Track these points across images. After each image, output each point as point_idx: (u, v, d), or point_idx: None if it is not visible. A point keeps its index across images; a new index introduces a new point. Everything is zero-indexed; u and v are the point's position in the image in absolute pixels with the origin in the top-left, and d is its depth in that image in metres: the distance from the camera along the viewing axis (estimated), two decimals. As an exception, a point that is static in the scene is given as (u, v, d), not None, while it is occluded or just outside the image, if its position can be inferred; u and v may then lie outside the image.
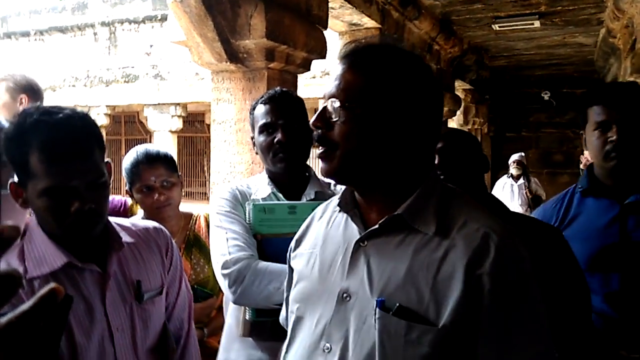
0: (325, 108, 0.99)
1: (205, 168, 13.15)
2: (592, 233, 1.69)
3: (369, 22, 4.46)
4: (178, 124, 10.54)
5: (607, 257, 1.65)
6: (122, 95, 10.45)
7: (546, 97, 10.41)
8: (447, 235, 0.93)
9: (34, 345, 0.44)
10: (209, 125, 11.69)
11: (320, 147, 1.00)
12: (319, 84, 8.18)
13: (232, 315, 1.70)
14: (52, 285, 0.44)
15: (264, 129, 1.68)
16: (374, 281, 0.95)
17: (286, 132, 1.65)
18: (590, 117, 1.69)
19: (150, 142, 10.23)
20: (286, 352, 1.10)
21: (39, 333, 0.44)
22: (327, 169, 1.00)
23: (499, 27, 5.88)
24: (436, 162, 1.52)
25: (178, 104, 10.26)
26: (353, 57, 1.00)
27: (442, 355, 0.89)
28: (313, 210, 1.61)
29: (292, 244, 1.21)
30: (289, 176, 1.71)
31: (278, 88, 1.77)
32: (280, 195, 1.70)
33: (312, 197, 1.71)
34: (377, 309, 0.92)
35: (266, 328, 1.58)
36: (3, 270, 0.43)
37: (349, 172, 0.99)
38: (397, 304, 0.90)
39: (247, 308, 1.58)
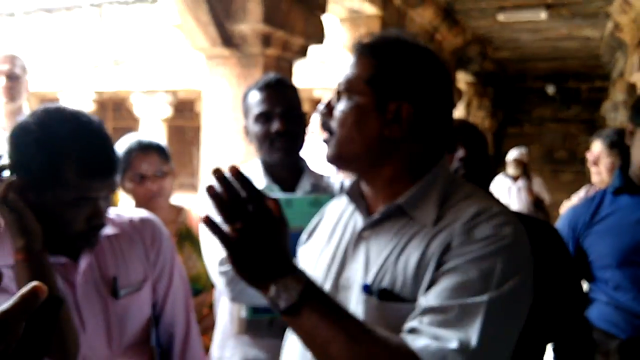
0: (332, 97, 1.04)
1: (195, 158, 13.02)
2: (624, 228, 1.68)
3: (369, 9, 4.34)
4: (168, 111, 10.36)
5: (639, 252, 1.64)
6: (110, 80, 10.20)
7: (550, 91, 10.25)
8: (444, 223, 0.95)
9: (19, 346, 0.44)
10: (198, 114, 11.44)
11: (326, 134, 1.04)
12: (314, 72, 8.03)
13: (226, 313, 1.65)
14: (34, 284, 0.44)
15: (259, 117, 1.61)
16: (369, 268, 0.97)
17: (284, 121, 1.59)
18: None
19: (138, 130, 10.00)
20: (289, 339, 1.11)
21: (24, 333, 0.44)
22: (327, 154, 1.03)
23: (504, 18, 5.74)
24: (462, 155, 1.52)
25: (168, 90, 10.05)
26: (363, 48, 1.02)
27: None
28: (309, 204, 1.55)
29: (303, 237, 1.23)
30: (285, 167, 1.65)
31: (273, 74, 1.69)
32: (276, 187, 1.63)
33: (308, 189, 1.65)
34: (362, 293, 0.95)
35: (262, 326, 1.55)
36: None
37: (343, 159, 1.01)
38: (382, 288, 0.93)
39: (242, 306, 1.53)
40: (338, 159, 1.02)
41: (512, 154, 5.59)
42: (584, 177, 9.19)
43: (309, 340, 0.86)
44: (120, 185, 1.96)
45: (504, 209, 0.96)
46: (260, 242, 0.86)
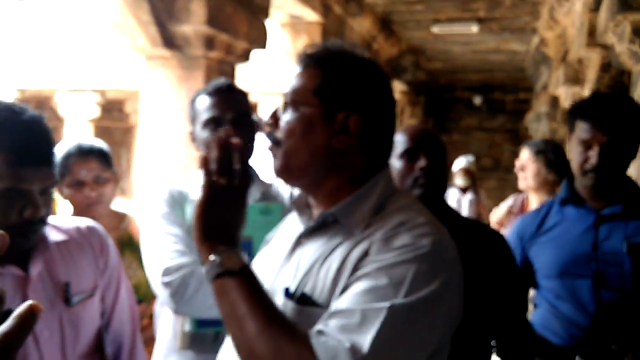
0: (278, 107, 1.03)
1: (124, 160, 12.57)
2: (567, 240, 1.72)
3: (311, 15, 4.36)
4: (95, 111, 9.94)
5: (578, 264, 1.68)
6: (33, 77, 9.66)
7: (477, 101, 10.67)
8: (368, 231, 0.95)
9: None
10: (128, 115, 11.04)
11: (270, 145, 1.03)
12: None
13: (169, 327, 1.57)
14: (29, 302, 0.42)
15: (209, 123, 1.54)
16: (297, 273, 0.99)
17: (235, 127, 1.52)
18: (576, 129, 1.70)
19: (62, 131, 9.52)
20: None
21: None
22: (274, 166, 1.03)
23: (438, 30, 5.92)
24: (424, 165, 1.53)
25: (96, 90, 9.64)
26: (309, 58, 1.02)
27: None
28: (259, 212, 1.51)
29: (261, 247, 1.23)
30: None
31: (223, 80, 1.64)
32: None
33: (257, 197, 1.60)
34: (283, 296, 0.97)
35: (207, 340, 1.48)
36: None
37: (291, 171, 1.01)
38: (301, 292, 0.95)
39: (185, 319, 1.47)
40: (285, 171, 1.01)
41: (460, 163, 5.04)
42: (506, 184, 9.62)
43: (230, 313, 0.91)
44: (59, 191, 1.87)
45: (431, 220, 0.95)
46: (234, 207, 0.97)
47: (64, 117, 10.10)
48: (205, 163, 0.96)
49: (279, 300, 0.98)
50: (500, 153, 10.63)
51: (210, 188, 0.96)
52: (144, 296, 1.93)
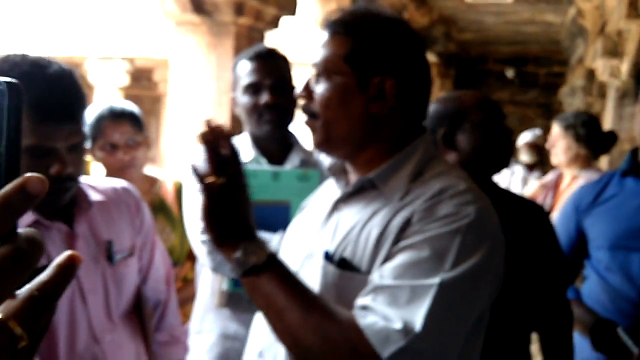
0: (309, 78, 1.00)
1: (153, 128, 12.65)
2: (623, 212, 1.69)
3: (342, -17, 4.27)
4: (125, 80, 9.99)
5: (631, 237, 1.66)
6: (63, 45, 9.72)
7: (510, 74, 10.42)
8: (409, 198, 0.94)
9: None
10: (157, 83, 11.07)
11: (306, 117, 1.01)
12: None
13: (207, 285, 1.62)
14: (69, 252, 0.40)
15: (249, 88, 1.56)
16: (336, 237, 0.98)
17: (274, 93, 1.54)
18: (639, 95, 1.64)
19: (92, 98, 9.61)
20: None
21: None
22: (313, 140, 1.01)
23: (472, -1, 5.77)
24: (477, 137, 1.47)
25: (125, 58, 9.67)
26: (338, 24, 0.98)
27: None
28: (297, 178, 1.51)
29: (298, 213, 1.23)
30: (273, 141, 1.61)
31: (264, 45, 1.65)
32: (264, 160, 1.60)
33: (297, 164, 1.61)
34: (323, 259, 0.96)
35: (243, 299, 1.50)
36: (25, 233, 0.38)
37: (332, 142, 0.99)
38: (343, 257, 0.94)
39: (223, 278, 1.51)
40: (326, 143, 1.00)
41: (525, 137, 4.47)
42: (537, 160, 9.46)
43: (266, 306, 0.90)
44: (91, 154, 1.88)
45: (471, 187, 0.94)
46: (238, 200, 0.93)
47: (93, 84, 10.20)
48: (195, 170, 0.93)
49: (318, 262, 0.97)
50: (533, 128, 10.42)
51: (209, 191, 0.92)
52: (177, 259, 1.96)
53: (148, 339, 1.32)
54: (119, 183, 1.36)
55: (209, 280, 1.60)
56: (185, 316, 1.77)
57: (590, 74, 5.92)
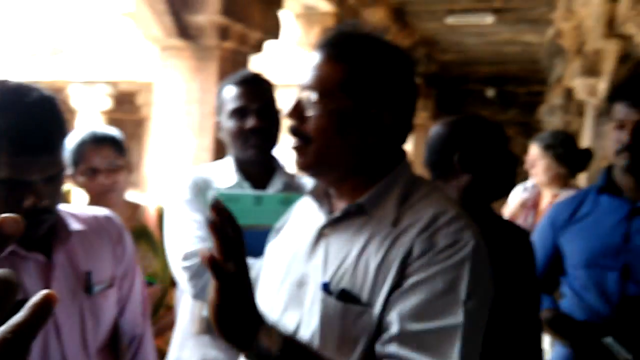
0: (300, 100, 0.97)
1: (135, 152, 12.53)
2: (598, 230, 1.70)
3: (324, 6, 4.32)
4: (107, 103, 9.95)
5: (607, 256, 1.66)
6: (47, 70, 9.66)
7: (490, 94, 10.57)
8: (402, 222, 0.93)
9: None
10: (139, 107, 11.03)
11: (294, 140, 0.98)
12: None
13: (187, 312, 1.60)
14: (45, 292, 0.38)
15: (235, 113, 1.56)
16: (328, 266, 0.95)
17: (260, 117, 1.54)
18: (613, 113, 1.67)
19: (74, 122, 9.54)
20: None
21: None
22: (301, 163, 0.99)
23: (453, 20, 5.86)
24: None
25: (108, 82, 9.64)
26: (332, 47, 0.96)
27: (374, 338, 0.89)
28: (280, 202, 1.50)
29: (272, 236, 1.18)
30: (257, 164, 1.61)
31: (249, 70, 1.67)
32: (247, 184, 1.60)
33: (280, 187, 1.61)
34: (321, 291, 0.93)
35: None
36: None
37: (323, 168, 0.98)
38: (341, 288, 0.91)
39: (204, 304, 1.49)
40: (316, 167, 0.98)
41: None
42: (519, 177, 9.55)
43: None
44: (72, 179, 1.86)
45: (460, 210, 0.95)
46: (248, 285, 0.84)
47: (76, 109, 10.16)
48: (209, 260, 0.80)
49: (313, 293, 0.95)
50: (513, 146, 10.51)
51: (223, 283, 0.82)
52: (161, 284, 1.93)
53: None
54: (101, 211, 1.32)
55: (188, 307, 1.59)
56: (167, 343, 1.75)
57: (569, 93, 6.02)
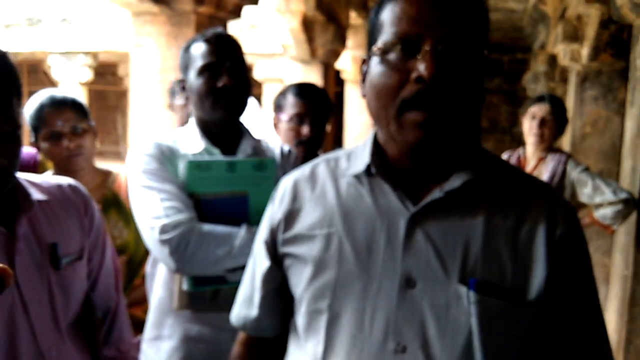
0: (433, 52, 0.86)
1: (119, 124, 12.37)
2: None
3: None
4: (88, 74, 9.74)
5: None
6: (24, 41, 9.45)
7: (474, 62, 10.53)
8: (515, 199, 0.86)
9: None
10: (122, 78, 10.86)
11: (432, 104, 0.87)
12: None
13: (163, 287, 1.52)
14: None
15: (204, 69, 1.46)
16: (447, 261, 0.82)
17: (232, 76, 1.46)
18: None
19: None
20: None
21: None
22: (428, 137, 0.84)
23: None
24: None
25: (88, 52, 9.39)
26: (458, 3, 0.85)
27: (536, 332, 0.85)
28: (253, 167, 1.46)
29: (278, 224, 0.96)
30: (225, 128, 1.53)
31: (220, 28, 1.57)
32: (216, 150, 1.52)
33: (249, 152, 1.55)
34: (472, 292, 0.80)
35: (205, 298, 1.45)
36: None
37: (449, 138, 0.86)
38: (485, 282, 0.81)
39: (183, 278, 1.42)
40: (447, 139, 0.84)
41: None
42: (503, 145, 9.58)
43: None
44: (36, 146, 1.82)
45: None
46: None
47: (57, 80, 9.96)
48: None
49: (430, 293, 0.83)
50: (498, 114, 10.53)
51: None
52: (131, 257, 1.89)
53: (97, 352, 1.22)
54: (65, 180, 1.24)
55: (165, 282, 1.51)
56: (146, 312, 1.72)
57: (552, 60, 6.00)
